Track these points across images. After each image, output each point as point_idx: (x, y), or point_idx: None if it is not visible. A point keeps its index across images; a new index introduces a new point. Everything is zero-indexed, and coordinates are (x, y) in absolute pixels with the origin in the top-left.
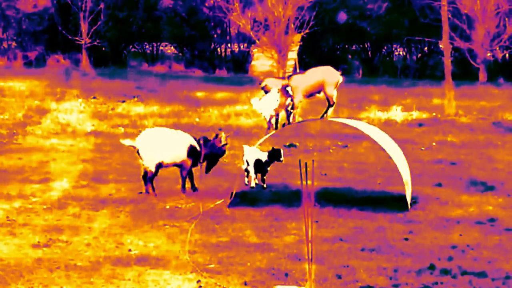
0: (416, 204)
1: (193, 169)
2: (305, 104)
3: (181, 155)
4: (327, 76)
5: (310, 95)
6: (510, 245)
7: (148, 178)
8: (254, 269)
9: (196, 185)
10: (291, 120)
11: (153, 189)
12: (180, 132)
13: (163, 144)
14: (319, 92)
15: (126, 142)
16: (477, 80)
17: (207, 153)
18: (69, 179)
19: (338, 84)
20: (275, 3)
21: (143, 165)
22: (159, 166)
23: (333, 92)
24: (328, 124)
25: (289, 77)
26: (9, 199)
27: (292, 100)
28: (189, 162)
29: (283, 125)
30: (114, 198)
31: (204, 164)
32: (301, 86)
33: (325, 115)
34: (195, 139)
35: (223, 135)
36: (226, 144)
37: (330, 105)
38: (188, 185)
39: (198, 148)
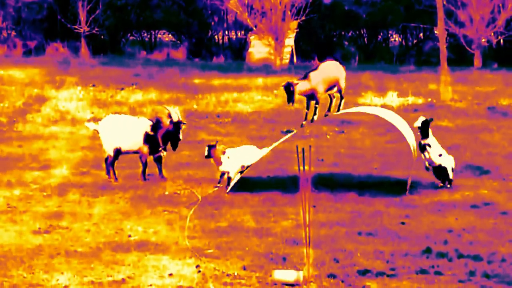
0: (413, 189)
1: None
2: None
3: (137, 142)
4: (340, 71)
5: (328, 89)
6: (505, 228)
7: (109, 163)
8: (252, 253)
9: (164, 174)
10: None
11: (114, 173)
12: (140, 119)
13: (122, 131)
14: (333, 87)
15: (90, 125)
16: (472, 65)
17: (163, 135)
18: (69, 166)
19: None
20: None
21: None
22: (118, 151)
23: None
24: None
25: (306, 76)
26: (10, 186)
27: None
28: (146, 149)
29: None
30: (113, 185)
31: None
32: (321, 81)
33: (340, 108)
34: (154, 124)
35: (170, 110)
36: (177, 121)
37: (342, 98)
38: (167, 172)
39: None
